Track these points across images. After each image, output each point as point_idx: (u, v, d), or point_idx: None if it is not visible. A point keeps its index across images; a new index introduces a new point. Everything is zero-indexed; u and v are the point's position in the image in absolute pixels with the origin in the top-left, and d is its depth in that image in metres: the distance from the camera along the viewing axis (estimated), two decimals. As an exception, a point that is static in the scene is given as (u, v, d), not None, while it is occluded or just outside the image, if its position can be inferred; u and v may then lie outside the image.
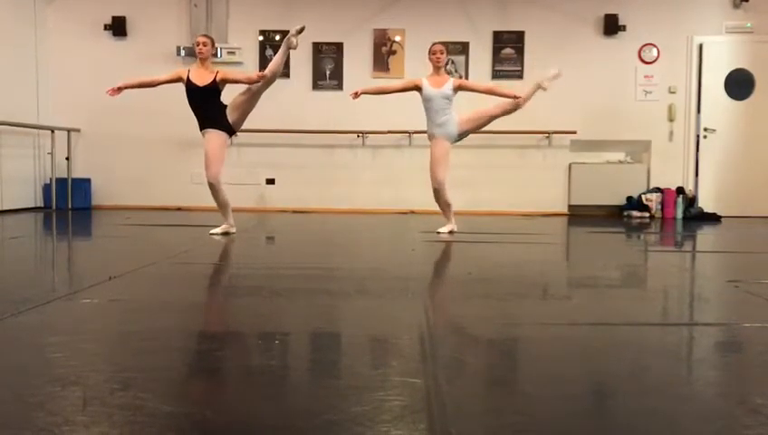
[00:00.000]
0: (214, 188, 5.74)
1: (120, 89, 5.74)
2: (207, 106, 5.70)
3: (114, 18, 9.18)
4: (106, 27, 9.21)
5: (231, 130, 5.82)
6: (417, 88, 6.10)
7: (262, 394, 1.94)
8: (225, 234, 5.95)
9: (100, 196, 9.28)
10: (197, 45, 5.75)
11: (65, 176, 8.97)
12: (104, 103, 9.05)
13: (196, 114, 5.77)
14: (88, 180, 9.19)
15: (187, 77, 5.71)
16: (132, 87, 5.84)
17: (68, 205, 8.89)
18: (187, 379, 2.10)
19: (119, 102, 8.81)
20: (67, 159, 9.00)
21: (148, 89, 6.00)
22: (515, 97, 6.05)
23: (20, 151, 8.73)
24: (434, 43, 6.16)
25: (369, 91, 6.35)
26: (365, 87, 6.45)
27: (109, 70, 9.11)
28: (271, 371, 2.17)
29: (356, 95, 6.21)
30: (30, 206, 8.90)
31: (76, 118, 9.18)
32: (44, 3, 9.20)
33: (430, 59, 6.10)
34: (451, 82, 6.04)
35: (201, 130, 5.78)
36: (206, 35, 5.90)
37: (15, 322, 2.70)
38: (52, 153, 8.87)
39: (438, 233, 6.14)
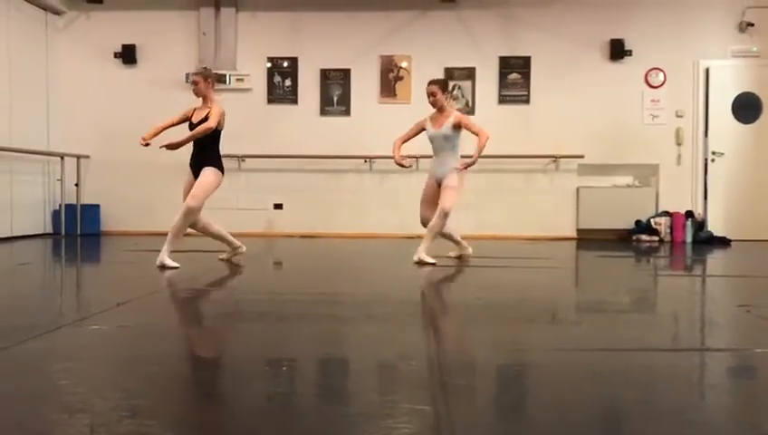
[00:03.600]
0: (187, 214, 5.39)
1: (147, 143, 5.53)
2: (201, 145, 5.49)
3: (124, 46, 9.29)
4: (116, 55, 9.32)
5: (223, 170, 5.61)
6: (423, 129, 6.10)
7: (269, 421, 1.92)
8: (234, 256, 5.88)
9: (108, 222, 9.32)
10: (192, 84, 5.63)
11: (74, 202, 9.02)
12: (113, 130, 9.18)
13: (193, 152, 5.59)
14: (97, 206, 9.24)
15: (192, 115, 5.63)
16: (158, 134, 5.59)
17: (77, 231, 8.93)
18: (194, 406, 2.08)
19: (127, 129, 8.90)
20: (76, 185, 9.07)
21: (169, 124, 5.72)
22: (471, 157, 5.83)
23: (30, 178, 8.80)
24: (427, 84, 6.03)
25: (398, 147, 6.18)
26: (394, 148, 6.22)
27: (118, 97, 9.24)
28: (278, 397, 2.16)
29: (401, 161, 6.13)
30: (39, 232, 8.95)
31: (86, 144, 9.26)
32: (55, 31, 9.33)
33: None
34: (451, 120, 5.89)
35: (192, 166, 5.55)
36: (197, 72, 5.67)
37: (24, 348, 2.70)
38: (61, 179, 8.93)
39: (420, 263, 5.70)
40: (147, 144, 5.50)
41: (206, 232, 5.70)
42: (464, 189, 6.07)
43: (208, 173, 5.48)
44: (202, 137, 5.43)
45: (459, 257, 6.21)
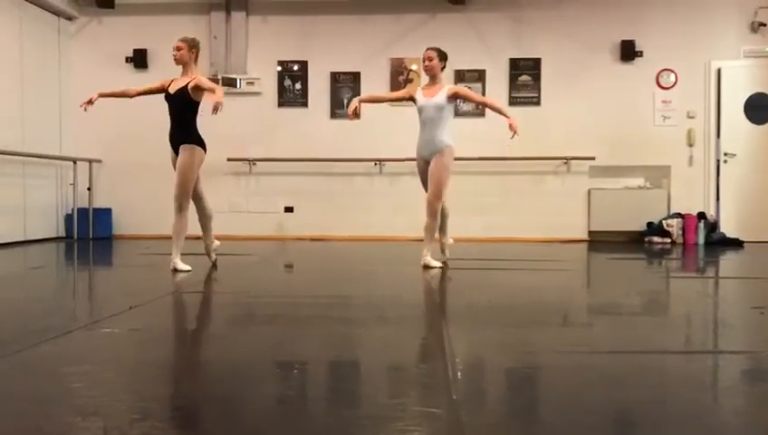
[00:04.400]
0: (179, 210, 5.29)
1: (91, 101, 5.47)
2: (179, 118, 5.30)
3: (135, 51, 9.35)
4: (128, 60, 9.38)
5: (204, 146, 5.36)
6: (412, 98, 5.73)
7: (280, 424, 1.93)
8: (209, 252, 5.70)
9: (120, 225, 9.37)
10: (175, 49, 5.36)
11: (87, 206, 9.09)
12: (125, 134, 9.24)
13: (171, 127, 5.36)
14: (109, 210, 9.29)
15: (168, 86, 5.40)
16: (107, 96, 5.60)
17: (89, 234, 8.98)
18: (205, 408, 2.09)
19: (139, 134, 8.98)
20: (89, 189, 9.12)
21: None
22: (508, 118, 5.43)
23: (43, 182, 8.87)
24: (426, 49, 5.74)
25: (364, 100, 6.00)
26: (360, 97, 6.02)
27: (130, 102, 9.21)
28: (289, 400, 2.16)
29: (353, 113, 5.79)
30: (52, 236, 9.01)
31: (98, 149, 9.32)
32: (68, 36, 9.39)
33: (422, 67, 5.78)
34: (446, 90, 5.56)
35: (171, 143, 5.34)
36: (183, 39, 5.40)
37: (37, 351, 2.72)
38: (74, 184, 8.99)
39: (427, 267, 5.57)
40: (89, 104, 5.47)
41: (200, 213, 5.54)
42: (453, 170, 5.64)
43: (186, 156, 5.26)
44: (179, 110, 5.27)
45: (441, 244, 5.95)
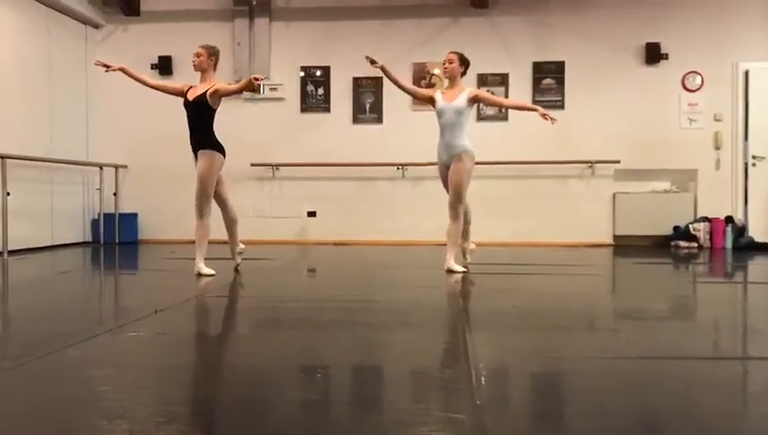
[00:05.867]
0: (200, 217, 5.36)
1: (110, 67, 5.66)
2: (197, 124, 5.35)
3: (161, 57, 9.45)
4: (153, 66, 9.48)
5: (223, 151, 5.40)
6: (432, 100, 5.70)
7: (304, 428, 1.93)
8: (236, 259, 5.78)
9: (146, 230, 9.47)
10: (194, 56, 5.42)
11: (113, 211, 9.20)
12: (150, 140, 9.34)
13: (190, 134, 5.41)
14: (134, 215, 9.40)
15: (187, 92, 5.45)
16: (131, 76, 5.73)
17: (115, 239, 9.09)
18: (230, 412, 2.10)
19: (164, 139, 9.07)
20: (115, 194, 9.24)
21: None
22: (536, 110, 5.45)
23: (70, 188, 8.99)
24: (448, 52, 5.75)
25: (388, 72, 5.93)
26: (386, 69, 5.97)
27: (155, 108, 9.35)
28: (312, 404, 2.16)
29: (373, 61, 5.83)
30: (79, 241, 9.12)
31: (123, 155, 9.44)
32: (94, 44, 9.53)
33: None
34: (466, 93, 5.53)
35: (192, 148, 5.41)
36: (203, 45, 5.46)
37: (64, 355, 2.75)
38: (100, 189, 9.12)
39: (449, 271, 5.56)
40: (106, 67, 5.74)
41: (224, 217, 5.61)
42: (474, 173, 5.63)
43: (204, 161, 5.33)
44: (197, 117, 5.34)
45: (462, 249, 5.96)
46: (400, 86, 6.00)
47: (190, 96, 5.42)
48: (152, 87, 5.75)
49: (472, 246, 6.08)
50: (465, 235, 5.94)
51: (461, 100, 5.53)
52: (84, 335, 3.08)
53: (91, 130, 9.39)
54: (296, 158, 9.24)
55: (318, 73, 9.37)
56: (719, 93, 8.90)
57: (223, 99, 5.42)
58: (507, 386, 2.42)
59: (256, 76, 5.07)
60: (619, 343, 3.14)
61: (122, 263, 7.08)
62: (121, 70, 5.69)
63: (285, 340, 3.26)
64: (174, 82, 5.76)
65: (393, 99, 9.24)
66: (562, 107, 9.04)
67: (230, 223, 5.67)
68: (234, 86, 5.45)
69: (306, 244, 9.13)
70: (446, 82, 5.83)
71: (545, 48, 9.10)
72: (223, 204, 5.60)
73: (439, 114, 5.63)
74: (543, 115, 5.37)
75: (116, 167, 9.32)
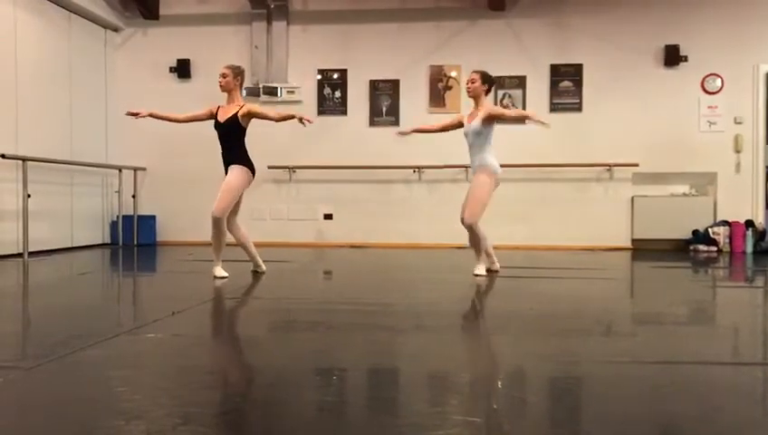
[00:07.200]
0: (216, 225, 5.37)
1: (138, 114, 5.62)
2: (229, 143, 5.46)
3: (179, 61, 9.53)
4: (171, 70, 9.57)
5: (253, 169, 5.52)
6: (461, 124, 5.86)
7: (319, 430, 1.93)
8: (255, 272, 5.80)
9: (164, 232, 9.54)
10: (220, 77, 5.50)
11: (131, 213, 9.28)
12: (169, 143, 9.41)
13: (222, 151, 5.54)
14: (153, 217, 9.47)
15: (216, 113, 5.56)
16: (160, 118, 5.77)
17: (134, 241, 9.17)
18: (246, 414, 2.11)
19: (182, 142, 9.15)
20: (133, 196, 9.32)
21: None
22: (530, 117, 5.51)
23: (89, 190, 9.08)
24: (472, 71, 5.78)
25: (418, 130, 6.28)
26: (414, 127, 6.37)
27: (173, 110, 9.43)
28: (329, 407, 2.17)
29: (404, 133, 6.26)
30: (98, 242, 9.21)
31: (142, 157, 9.53)
32: (114, 47, 9.63)
33: None
34: (480, 116, 5.57)
35: (225, 166, 5.51)
36: (228, 66, 5.56)
37: (83, 355, 2.78)
38: (119, 191, 9.20)
39: (475, 275, 5.62)
40: (137, 116, 5.63)
41: (239, 242, 5.64)
42: (495, 190, 5.73)
43: (234, 174, 5.40)
44: (229, 136, 5.43)
45: (487, 271, 5.88)
46: (435, 131, 6.22)
47: (221, 117, 5.51)
48: (183, 121, 5.85)
49: (496, 265, 6.01)
50: (489, 256, 5.93)
51: (477, 122, 5.59)
52: (103, 336, 3.11)
53: (110, 133, 9.49)
54: (313, 160, 9.27)
55: (335, 76, 9.40)
56: (739, 96, 8.81)
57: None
58: (524, 390, 2.40)
59: (305, 118, 5.20)
60: (638, 347, 3.12)
61: (140, 265, 7.14)
62: (151, 115, 5.75)
63: (302, 342, 3.26)
64: (200, 109, 5.76)
65: (410, 101, 9.26)
66: (580, 110, 9.00)
67: (242, 245, 5.66)
68: (272, 114, 5.47)
69: (323, 246, 9.15)
70: (471, 101, 5.80)
71: (563, 50, 9.06)
72: (231, 224, 5.56)
73: (465, 135, 5.76)
74: (536, 120, 5.38)
75: (135, 169, 9.40)
